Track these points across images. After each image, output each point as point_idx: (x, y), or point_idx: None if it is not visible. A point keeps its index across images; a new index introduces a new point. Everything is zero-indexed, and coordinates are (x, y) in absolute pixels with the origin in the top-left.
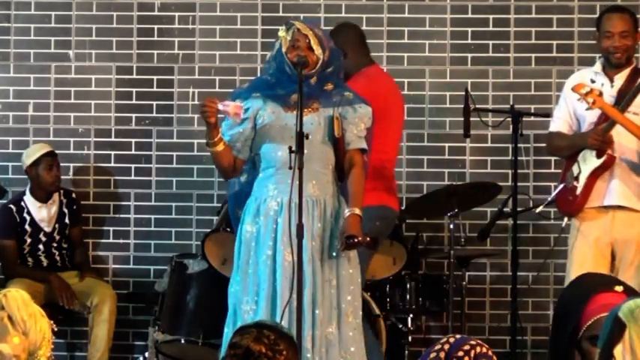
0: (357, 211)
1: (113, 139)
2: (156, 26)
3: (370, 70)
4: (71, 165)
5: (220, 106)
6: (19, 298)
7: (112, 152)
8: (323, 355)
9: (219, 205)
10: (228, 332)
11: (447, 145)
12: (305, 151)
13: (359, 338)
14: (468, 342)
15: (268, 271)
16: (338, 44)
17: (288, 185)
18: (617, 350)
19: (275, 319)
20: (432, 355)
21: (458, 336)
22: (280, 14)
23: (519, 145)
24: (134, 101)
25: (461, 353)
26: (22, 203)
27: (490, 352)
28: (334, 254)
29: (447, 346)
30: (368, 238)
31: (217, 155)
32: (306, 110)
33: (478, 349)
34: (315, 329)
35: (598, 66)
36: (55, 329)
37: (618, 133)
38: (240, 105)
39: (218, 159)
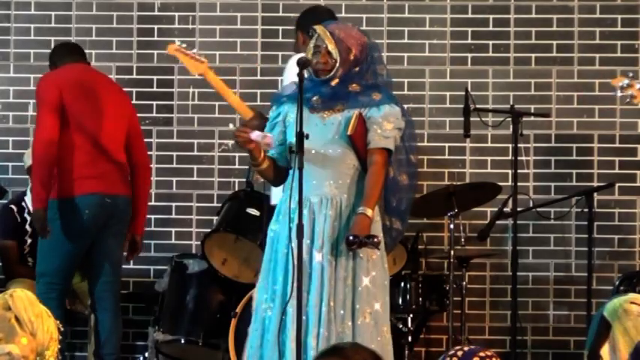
0: (367, 211)
1: None
2: (156, 26)
3: (65, 66)
4: None
5: (252, 136)
6: (25, 298)
7: None
8: None
9: (219, 205)
10: (251, 330)
11: (447, 145)
12: (321, 151)
13: (374, 339)
14: (476, 354)
15: (283, 270)
16: (53, 60)
17: (307, 185)
18: (604, 350)
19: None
20: None
21: (466, 348)
22: (280, 14)
23: (519, 145)
24: (134, 101)
25: None
26: (23, 203)
27: None
28: (350, 253)
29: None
30: (375, 239)
31: (263, 172)
32: (330, 111)
33: None
34: (321, 327)
35: None
36: (62, 329)
37: None
38: (270, 135)
39: (264, 175)
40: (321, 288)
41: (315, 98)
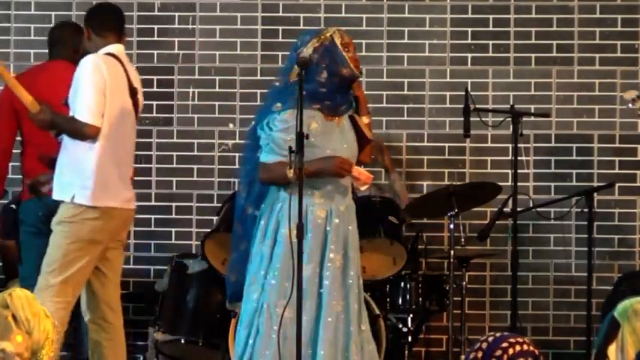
0: None
1: None
2: (156, 26)
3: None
4: None
5: (355, 173)
6: (23, 297)
7: None
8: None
9: (219, 205)
10: (248, 335)
11: (447, 145)
12: (345, 155)
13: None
14: (506, 340)
15: (315, 278)
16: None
17: (336, 192)
18: (611, 350)
19: (319, 324)
20: (472, 355)
21: (498, 334)
22: (280, 14)
23: (519, 145)
24: None
25: (499, 352)
26: None
27: (531, 348)
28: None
29: (484, 345)
30: None
31: (288, 180)
32: (341, 117)
33: (518, 347)
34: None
35: None
36: (59, 329)
37: None
38: (371, 176)
39: (281, 182)
40: (358, 294)
41: (343, 107)
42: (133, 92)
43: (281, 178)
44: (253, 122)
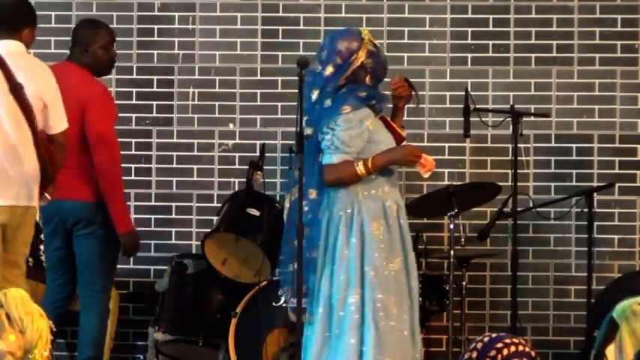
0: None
1: None
2: (156, 26)
3: None
4: None
5: (422, 159)
6: (18, 296)
7: None
8: None
9: (219, 205)
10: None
11: (447, 145)
12: None
13: None
14: (502, 340)
15: (403, 270)
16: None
17: (396, 187)
18: (610, 350)
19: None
20: (466, 355)
21: (494, 334)
22: (280, 14)
23: (519, 145)
24: (134, 101)
25: (493, 352)
26: None
27: (527, 349)
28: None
29: (479, 345)
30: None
31: (360, 176)
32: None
33: (512, 348)
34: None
35: None
36: (54, 329)
37: None
38: (434, 163)
39: (357, 179)
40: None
41: (387, 106)
42: (15, 88)
43: (351, 176)
44: (311, 131)
